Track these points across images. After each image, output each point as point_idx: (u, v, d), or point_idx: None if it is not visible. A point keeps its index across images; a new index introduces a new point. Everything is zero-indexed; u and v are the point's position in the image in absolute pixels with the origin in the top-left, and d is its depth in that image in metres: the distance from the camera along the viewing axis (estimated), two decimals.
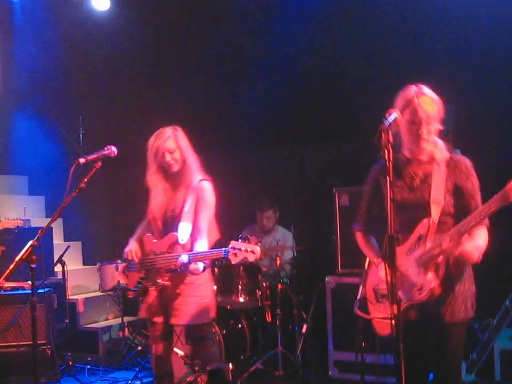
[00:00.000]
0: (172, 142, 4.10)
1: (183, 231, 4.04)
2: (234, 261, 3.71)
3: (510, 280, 5.36)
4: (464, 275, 3.15)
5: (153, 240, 4.20)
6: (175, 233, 4.07)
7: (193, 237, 4.06)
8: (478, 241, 2.99)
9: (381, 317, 3.23)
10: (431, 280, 3.00)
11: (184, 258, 3.90)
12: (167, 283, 4.07)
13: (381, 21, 6.26)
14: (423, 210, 3.10)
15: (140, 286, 4.20)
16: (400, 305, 2.62)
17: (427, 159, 3.19)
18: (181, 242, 4.04)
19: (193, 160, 4.17)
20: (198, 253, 3.94)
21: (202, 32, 7.28)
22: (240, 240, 3.74)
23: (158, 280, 4.07)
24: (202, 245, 4.01)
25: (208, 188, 4.16)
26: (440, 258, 3.03)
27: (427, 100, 3.09)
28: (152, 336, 4.30)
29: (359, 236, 3.55)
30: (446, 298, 3.10)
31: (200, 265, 3.98)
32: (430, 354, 3.21)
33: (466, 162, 3.18)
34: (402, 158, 3.23)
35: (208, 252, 3.96)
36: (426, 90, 3.13)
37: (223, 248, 3.79)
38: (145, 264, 4.18)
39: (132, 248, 4.24)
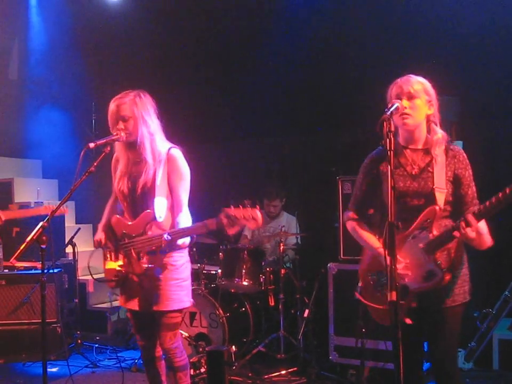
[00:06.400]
0: (127, 108, 3.66)
1: (160, 207, 3.60)
2: (231, 231, 3.30)
3: (510, 271, 5.42)
4: (463, 259, 3.19)
5: (128, 223, 3.72)
6: (149, 211, 3.61)
7: (174, 212, 3.68)
8: (484, 228, 3.00)
9: (382, 307, 3.19)
10: (441, 266, 3.00)
11: (166, 236, 3.47)
12: (151, 265, 3.61)
13: (382, 10, 6.24)
14: (427, 198, 3.10)
15: (119, 274, 3.72)
16: (398, 292, 2.54)
17: (423, 147, 3.21)
18: (159, 219, 3.60)
19: (154, 128, 3.70)
20: (180, 230, 3.52)
21: (206, 25, 7.40)
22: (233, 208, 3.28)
23: (143, 265, 3.60)
24: (185, 219, 3.62)
25: (179, 156, 3.69)
26: (452, 244, 3.03)
27: (410, 78, 3.14)
28: (135, 324, 3.93)
29: (353, 225, 3.42)
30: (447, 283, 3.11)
31: (187, 239, 3.61)
32: (426, 339, 3.24)
33: (463, 153, 3.22)
34: (398, 146, 3.21)
35: (194, 226, 3.52)
36: (412, 75, 3.17)
37: (214, 219, 3.34)
38: (121, 250, 3.73)
39: (102, 236, 3.85)
